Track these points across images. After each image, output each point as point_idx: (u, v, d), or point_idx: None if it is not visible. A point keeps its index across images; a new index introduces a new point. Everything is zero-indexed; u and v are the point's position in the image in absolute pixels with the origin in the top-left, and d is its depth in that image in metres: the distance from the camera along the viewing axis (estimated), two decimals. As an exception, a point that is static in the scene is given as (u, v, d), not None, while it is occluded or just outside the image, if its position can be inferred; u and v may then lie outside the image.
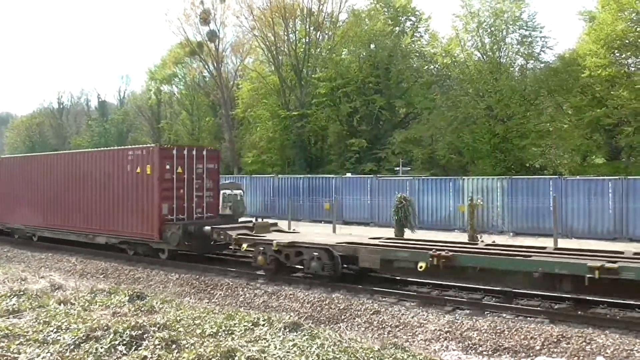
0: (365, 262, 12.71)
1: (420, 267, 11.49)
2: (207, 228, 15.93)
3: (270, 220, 18.73)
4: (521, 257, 11.07)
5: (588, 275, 9.66)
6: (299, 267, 14.04)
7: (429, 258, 11.36)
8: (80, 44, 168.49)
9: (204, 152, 17.68)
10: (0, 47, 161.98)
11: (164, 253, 16.86)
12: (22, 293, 10.88)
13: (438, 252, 11.33)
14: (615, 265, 9.60)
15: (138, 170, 16.71)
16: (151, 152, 16.62)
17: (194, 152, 17.28)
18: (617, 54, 34.23)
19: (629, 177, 23.99)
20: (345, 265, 13.39)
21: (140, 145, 18.15)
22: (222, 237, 15.60)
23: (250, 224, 16.62)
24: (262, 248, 14.25)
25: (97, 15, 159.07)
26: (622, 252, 11.57)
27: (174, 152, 16.83)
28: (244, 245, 14.73)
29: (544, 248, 12.59)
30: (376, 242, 13.83)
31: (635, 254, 11.20)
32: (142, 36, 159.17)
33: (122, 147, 24.07)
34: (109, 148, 25.18)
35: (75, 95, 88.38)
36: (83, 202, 18.80)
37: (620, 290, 9.94)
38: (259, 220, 20.23)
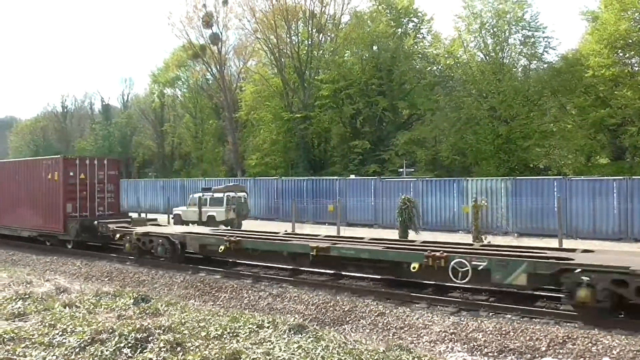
0: (190, 246, 16.24)
1: (220, 250, 15.20)
2: (96, 222, 19.55)
3: (159, 216, 23.62)
4: (274, 240, 15.03)
5: (311, 253, 13.29)
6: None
7: (225, 243, 15.05)
8: (83, 47, 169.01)
9: (105, 162, 21.51)
10: (4, 51, 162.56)
11: (70, 243, 20.57)
12: (27, 296, 10.89)
13: (230, 238, 15.11)
14: (326, 245, 13.20)
15: (49, 177, 20.42)
16: (57, 162, 20.43)
17: (96, 162, 21.03)
18: (621, 54, 34.20)
19: (633, 177, 23.92)
20: (186, 250, 16.53)
21: (52, 157, 22.85)
22: (104, 229, 19.08)
23: (129, 219, 20.59)
24: (128, 237, 17.76)
25: (100, 19, 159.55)
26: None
27: (77, 161, 20.57)
28: (117, 235, 18.19)
29: (362, 238, 15.15)
30: (197, 231, 17.78)
31: (425, 242, 14.15)
32: (145, 39, 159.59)
33: (40, 157, 29.45)
34: (31, 158, 29.70)
35: (79, 99, 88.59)
36: (14, 203, 22.48)
37: (331, 264, 13.85)
38: (143, 215, 24.94)
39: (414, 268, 11.82)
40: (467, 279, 11.26)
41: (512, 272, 10.70)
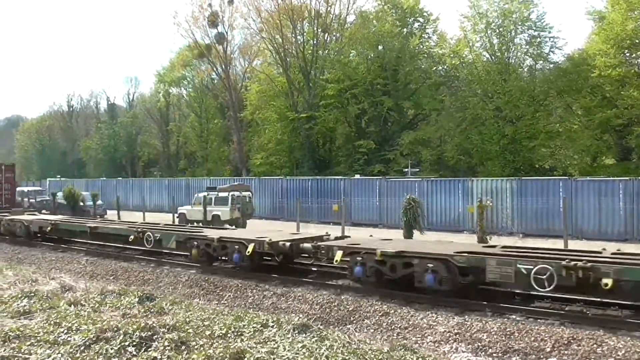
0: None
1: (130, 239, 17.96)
2: None
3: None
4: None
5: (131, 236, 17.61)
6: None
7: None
8: (89, 46, 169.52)
9: (3, 167, 30.35)
10: (11, 50, 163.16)
11: None
12: (32, 294, 10.91)
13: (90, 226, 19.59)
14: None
15: None
16: None
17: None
18: (627, 54, 34.08)
19: (639, 177, 23.83)
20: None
21: None
22: None
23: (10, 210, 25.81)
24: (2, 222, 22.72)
25: (106, 18, 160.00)
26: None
27: None
28: None
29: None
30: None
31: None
32: (150, 39, 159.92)
33: None
34: None
35: (84, 98, 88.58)
36: None
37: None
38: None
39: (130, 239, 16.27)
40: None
41: None
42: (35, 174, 78.81)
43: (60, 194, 35.46)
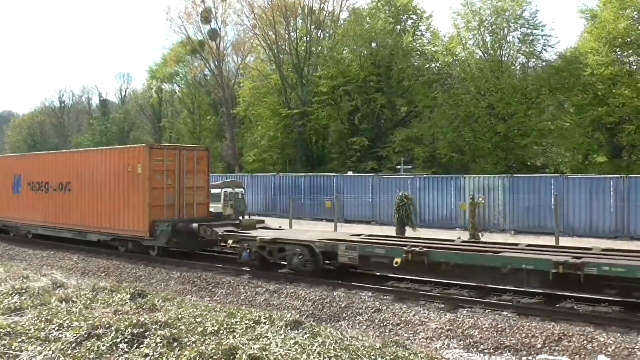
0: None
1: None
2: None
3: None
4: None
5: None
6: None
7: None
8: (81, 42, 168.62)
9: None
10: (1, 45, 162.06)
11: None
12: (24, 291, 10.89)
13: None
14: None
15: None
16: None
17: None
18: (619, 52, 34.19)
19: (630, 175, 23.98)
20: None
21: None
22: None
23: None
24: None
25: (98, 13, 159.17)
26: None
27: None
28: (230, 242, 15.96)
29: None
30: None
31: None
32: (143, 34, 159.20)
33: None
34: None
35: (76, 94, 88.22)
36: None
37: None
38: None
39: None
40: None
41: None
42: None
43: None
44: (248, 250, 14.72)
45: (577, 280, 10.01)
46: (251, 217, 23.51)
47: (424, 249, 11.89)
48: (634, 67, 34.54)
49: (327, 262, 13.80)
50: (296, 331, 7.97)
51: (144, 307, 9.60)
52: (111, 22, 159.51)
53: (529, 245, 12.90)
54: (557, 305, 10.89)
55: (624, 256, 10.77)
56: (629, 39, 32.83)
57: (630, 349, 8.34)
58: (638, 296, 10.10)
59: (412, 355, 7.19)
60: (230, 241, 15.52)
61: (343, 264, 13.45)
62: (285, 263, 14.37)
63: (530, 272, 10.64)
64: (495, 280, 11.46)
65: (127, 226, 17.48)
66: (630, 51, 34.01)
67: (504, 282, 11.37)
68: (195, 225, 16.40)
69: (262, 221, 18.48)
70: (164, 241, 16.78)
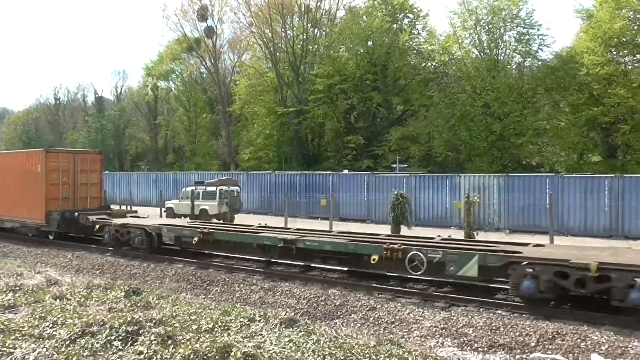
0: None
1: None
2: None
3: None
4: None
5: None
6: None
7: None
8: (77, 38, 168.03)
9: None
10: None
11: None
12: (18, 288, 10.85)
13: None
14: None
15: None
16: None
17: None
18: (615, 52, 34.28)
19: (624, 175, 24.09)
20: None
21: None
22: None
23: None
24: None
25: (94, 10, 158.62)
26: None
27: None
28: (97, 227, 19.40)
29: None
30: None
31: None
32: (139, 32, 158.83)
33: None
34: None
35: (71, 91, 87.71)
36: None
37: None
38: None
39: (374, 260, 12.44)
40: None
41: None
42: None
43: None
44: (109, 233, 18.26)
45: (293, 251, 13.85)
46: (123, 207, 28.90)
47: (211, 230, 15.80)
48: (629, 67, 34.65)
49: (163, 242, 17.14)
50: (291, 329, 7.97)
51: (139, 304, 9.59)
52: (107, 19, 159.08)
53: (263, 225, 17.45)
54: (551, 304, 10.90)
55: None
56: (624, 39, 32.93)
57: (623, 348, 8.37)
58: (333, 263, 14.21)
59: (406, 353, 7.19)
60: (97, 226, 18.96)
61: (166, 243, 17.08)
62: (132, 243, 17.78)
63: (269, 247, 14.63)
64: (252, 252, 15.55)
65: (31, 215, 21.24)
66: (626, 51, 34.12)
67: (256, 254, 15.59)
68: (76, 214, 20.24)
69: (135, 211, 23.41)
70: (55, 227, 20.50)
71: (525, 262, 10.49)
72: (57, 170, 20.72)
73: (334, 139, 45.31)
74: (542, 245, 12.77)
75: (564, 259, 10.25)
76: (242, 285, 13.35)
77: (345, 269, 14.39)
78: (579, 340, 8.73)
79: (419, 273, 11.95)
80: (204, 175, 38.03)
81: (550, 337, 8.96)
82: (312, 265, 15.04)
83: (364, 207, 29.70)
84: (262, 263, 15.97)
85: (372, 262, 12.45)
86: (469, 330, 9.55)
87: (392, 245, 12.27)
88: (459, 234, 19.71)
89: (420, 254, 11.85)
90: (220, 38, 54.41)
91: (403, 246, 12.17)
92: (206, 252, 17.19)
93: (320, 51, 45.15)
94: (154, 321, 7.91)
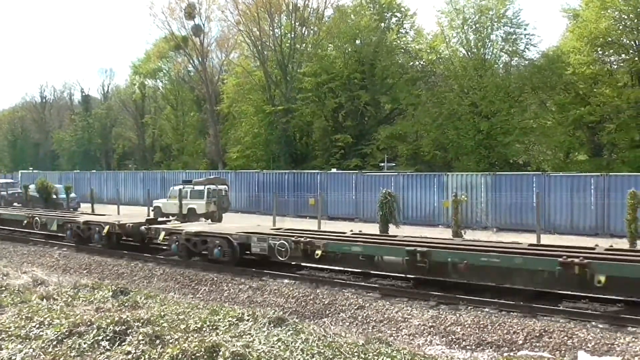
0: None
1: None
2: None
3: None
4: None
5: None
6: None
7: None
8: (63, 36, 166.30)
9: None
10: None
11: None
12: (4, 288, 10.76)
13: None
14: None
15: None
16: None
17: None
18: (600, 52, 34.59)
19: (610, 173, 24.32)
20: None
21: None
22: None
23: None
24: None
25: (81, 8, 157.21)
26: None
27: None
28: None
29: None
30: None
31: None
32: (126, 30, 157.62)
33: None
34: None
35: (58, 89, 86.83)
36: None
37: None
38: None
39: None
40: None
41: None
42: (6, 167, 77.33)
43: (32, 187, 34.88)
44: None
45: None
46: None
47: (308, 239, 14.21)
48: (615, 67, 35.01)
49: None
50: (279, 328, 7.96)
51: (126, 304, 9.53)
52: (94, 17, 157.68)
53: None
54: (538, 302, 10.98)
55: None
56: (610, 39, 33.24)
57: (609, 345, 8.45)
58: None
59: (395, 352, 7.21)
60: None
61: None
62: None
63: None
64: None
65: None
66: (611, 51, 34.47)
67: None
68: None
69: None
70: None
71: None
72: None
73: (322, 138, 45.30)
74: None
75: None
76: (230, 284, 13.32)
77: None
78: (566, 337, 8.81)
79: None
80: (191, 174, 37.88)
81: (538, 334, 9.03)
82: (303, 265, 14.92)
83: (352, 206, 29.73)
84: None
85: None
86: (457, 329, 9.60)
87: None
88: (447, 233, 19.81)
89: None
90: (208, 36, 54.20)
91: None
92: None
93: (308, 50, 45.11)
94: (141, 321, 7.87)
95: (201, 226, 17.58)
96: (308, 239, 13.47)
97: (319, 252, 13.11)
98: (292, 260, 14.18)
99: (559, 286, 10.89)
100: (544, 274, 10.56)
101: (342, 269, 14.10)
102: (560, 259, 10.14)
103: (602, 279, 9.71)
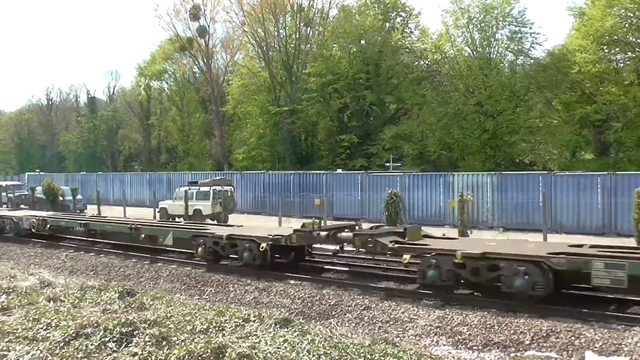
0: None
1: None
2: None
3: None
4: None
5: None
6: None
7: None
8: (69, 39, 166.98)
9: None
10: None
11: None
12: (11, 290, 10.79)
13: None
14: None
15: None
16: None
17: None
18: (606, 50, 34.45)
19: (617, 172, 24.19)
20: None
21: None
22: None
23: None
24: None
25: (86, 10, 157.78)
26: None
27: None
28: None
29: None
30: None
31: None
32: (131, 31, 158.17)
33: None
34: None
35: (64, 92, 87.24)
36: None
37: None
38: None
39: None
40: None
41: None
42: (13, 169, 77.70)
43: (39, 189, 35.01)
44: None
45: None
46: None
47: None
48: (621, 65, 34.86)
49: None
50: (285, 329, 7.96)
51: (133, 305, 9.55)
52: (99, 19, 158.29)
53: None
54: (545, 302, 10.92)
55: None
56: (616, 37, 33.09)
57: (617, 345, 8.40)
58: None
59: (401, 352, 7.20)
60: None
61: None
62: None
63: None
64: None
65: None
66: (617, 49, 34.31)
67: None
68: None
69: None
70: None
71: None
72: None
73: (327, 138, 45.32)
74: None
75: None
76: (236, 285, 13.32)
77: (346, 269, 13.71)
78: (573, 337, 8.76)
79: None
80: (197, 176, 37.98)
81: (545, 335, 8.98)
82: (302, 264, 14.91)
83: (357, 206, 29.69)
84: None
85: None
86: (463, 329, 9.56)
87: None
88: (453, 233, 19.75)
89: None
90: (213, 37, 54.38)
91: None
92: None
93: (313, 50, 45.14)
94: (148, 322, 7.88)
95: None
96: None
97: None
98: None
99: None
100: None
101: (347, 270, 14.09)
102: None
103: None
